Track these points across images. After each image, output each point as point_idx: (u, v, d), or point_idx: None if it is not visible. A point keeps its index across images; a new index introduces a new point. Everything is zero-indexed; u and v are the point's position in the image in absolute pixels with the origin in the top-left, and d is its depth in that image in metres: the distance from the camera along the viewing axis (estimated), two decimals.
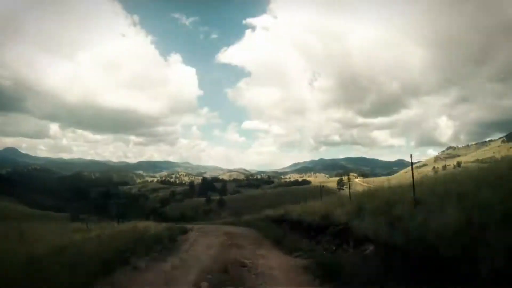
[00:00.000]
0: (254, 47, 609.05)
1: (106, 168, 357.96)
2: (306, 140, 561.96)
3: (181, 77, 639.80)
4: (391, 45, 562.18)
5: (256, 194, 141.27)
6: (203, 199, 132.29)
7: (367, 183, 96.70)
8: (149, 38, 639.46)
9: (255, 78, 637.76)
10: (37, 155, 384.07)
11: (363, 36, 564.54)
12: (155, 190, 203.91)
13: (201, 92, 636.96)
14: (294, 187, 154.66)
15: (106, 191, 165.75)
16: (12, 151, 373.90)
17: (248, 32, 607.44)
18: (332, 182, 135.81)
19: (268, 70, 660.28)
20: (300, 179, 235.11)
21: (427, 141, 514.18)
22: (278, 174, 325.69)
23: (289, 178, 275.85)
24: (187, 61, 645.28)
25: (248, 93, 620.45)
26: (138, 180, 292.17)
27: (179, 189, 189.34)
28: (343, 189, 79.83)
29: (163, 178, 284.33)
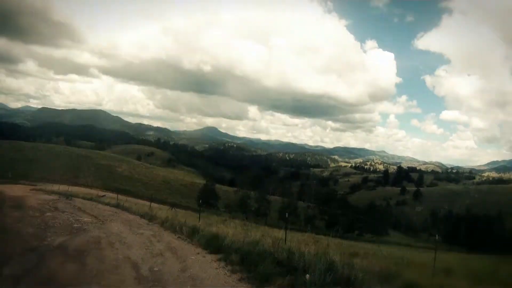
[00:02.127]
0: (452, 32, 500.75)
1: (302, 151, 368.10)
2: (507, 136, 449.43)
3: (378, 63, 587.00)
4: None
5: (457, 189, 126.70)
6: (397, 189, 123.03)
7: None
8: (343, 22, 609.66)
9: (454, 66, 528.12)
10: (235, 135, 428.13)
11: None
12: (347, 174, 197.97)
13: (399, 79, 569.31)
14: (500, 185, 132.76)
15: (295, 171, 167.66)
16: (212, 130, 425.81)
17: (445, 16, 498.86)
18: None
19: (467, 58, 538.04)
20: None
21: None
22: (475, 171, 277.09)
23: (487, 176, 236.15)
24: (383, 46, 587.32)
25: (447, 82, 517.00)
26: (332, 164, 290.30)
27: (372, 176, 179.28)
28: None
29: (357, 165, 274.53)
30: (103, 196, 27.64)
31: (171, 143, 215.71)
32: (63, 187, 36.77)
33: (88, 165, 72.27)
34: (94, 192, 35.36)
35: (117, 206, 19.38)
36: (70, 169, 66.54)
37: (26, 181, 54.26)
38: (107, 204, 20.62)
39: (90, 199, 22.88)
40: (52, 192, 27.24)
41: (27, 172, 60.09)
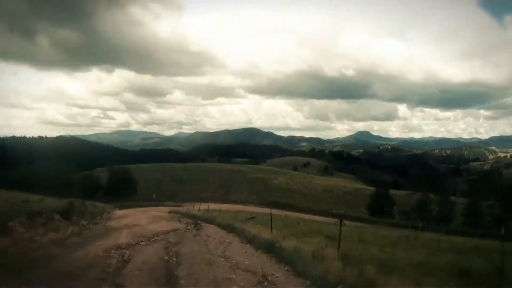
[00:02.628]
0: None
1: (457, 145, 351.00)
2: None
3: None
4: None
5: None
6: None
7: None
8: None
9: None
10: (388, 136, 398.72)
11: None
12: (509, 165, 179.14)
13: None
14: None
15: (454, 167, 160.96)
16: (364, 134, 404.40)
17: None
18: None
19: None
20: None
21: None
22: None
23: None
24: None
25: None
26: (490, 156, 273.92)
27: None
28: None
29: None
30: (251, 218, 20.45)
31: (326, 151, 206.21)
32: (212, 206, 33.98)
33: (240, 180, 61.94)
34: (246, 209, 31.45)
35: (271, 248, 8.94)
36: (222, 186, 56.77)
37: (174, 201, 45.96)
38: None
39: (231, 226, 14.28)
40: (188, 216, 22.85)
41: (176, 192, 52.27)
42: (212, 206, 34.13)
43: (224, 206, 38.38)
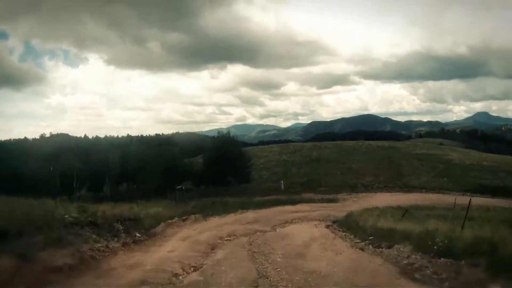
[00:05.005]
0: None
1: None
2: None
3: None
4: None
5: None
6: None
7: None
8: None
9: None
10: (507, 116, 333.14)
11: None
12: None
13: None
14: None
15: None
16: (483, 115, 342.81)
17: None
18: None
19: None
20: None
21: None
22: None
23: None
24: None
25: None
26: None
27: None
28: None
29: None
30: None
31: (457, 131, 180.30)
32: (383, 198, 24.18)
33: (405, 158, 39.51)
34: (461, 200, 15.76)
35: None
36: (378, 167, 35.70)
37: (314, 193, 28.75)
38: None
39: None
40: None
41: (313, 179, 33.41)
42: (384, 198, 24.26)
43: (412, 198, 24.67)
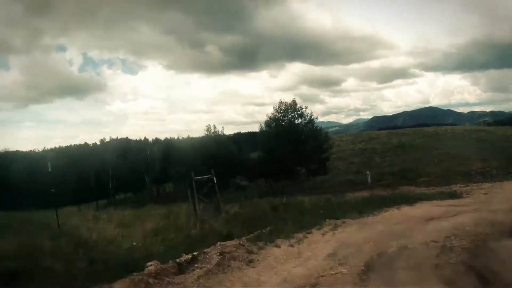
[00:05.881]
0: None
1: None
2: None
3: None
4: None
5: None
6: None
7: None
8: None
9: None
10: None
11: None
12: None
13: None
14: None
15: None
16: None
17: None
18: None
19: None
20: None
21: None
22: None
23: None
24: None
25: None
26: None
27: None
28: None
29: None
30: None
31: None
32: None
33: (506, 141, 32.00)
34: None
35: None
36: (485, 153, 28.63)
37: (416, 185, 22.02)
38: None
39: None
40: None
41: (410, 167, 27.36)
42: None
43: None
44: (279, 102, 27.40)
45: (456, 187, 20.91)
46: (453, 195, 18.02)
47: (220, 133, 31.72)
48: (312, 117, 26.85)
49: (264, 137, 27.91)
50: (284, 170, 26.09)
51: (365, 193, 20.92)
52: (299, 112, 26.84)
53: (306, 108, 27.57)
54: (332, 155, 33.55)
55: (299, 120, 26.97)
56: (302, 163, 26.13)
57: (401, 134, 40.95)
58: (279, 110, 27.24)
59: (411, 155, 30.92)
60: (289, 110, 26.94)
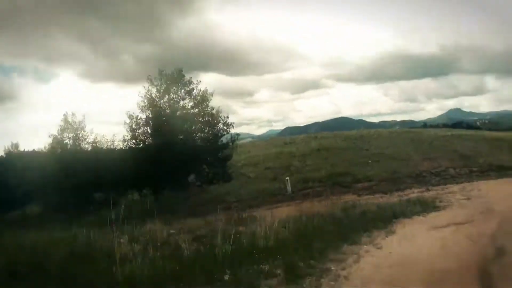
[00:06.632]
0: None
1: None
2: None
3: None
4: None
5: None
6: None
7: None
8: None
9: None
10: (480, 111, 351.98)
11: None
12: None
13: None
14: None
15: None
16: (455, 112, 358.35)
17: None
18: None
19: None
20: None
21: None
22: None
23: None
24: None
25: None
26: None
27: None
28: None
29: None
30: None
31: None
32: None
33: (433, 140, 27.29)
34: None
35: None
36: (429, 153, 22.84)
37: (355, 192, 15.87)
38: None
39: None
40: None
41: (338, 172, 19.94)
42: None
43: None
44: (158, 69, 17.78)
45: (414, 192, 14.26)
46: (429, 206, 11.06)
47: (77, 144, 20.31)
48: (207, 94, 17.61)
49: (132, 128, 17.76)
50: (162, 175, 16.57)
51: (287, 208, 13.65)
52: (187, 88, 17.56)
53: (199, 82, 18.29)
54: (240, 162, 25.42)
55: (186, 100, 17.58)
56: (189, 163, 16.81)
57: (320, 138, 34.53)
58: (156, 84, 17.63)
59: (339, 157, 23.97)
60: (171, 85, 17.43)
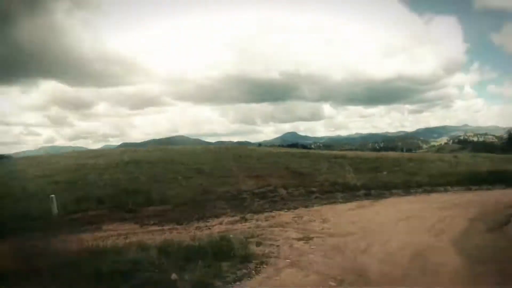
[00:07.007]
0: None
1: (384, 139, 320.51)
2: None
3: (441, 31, 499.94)
4: None
5: None
6: None
7: None
8: None
9: None
10: (315, 135, 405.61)
11: None
12: (453, 150, 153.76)
13: (466, 45, 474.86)
14: None
15: None
16: (291, 135, 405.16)
17: None
18: None
19: None
20: None
21: None
22: None
23: None
24: (442, 11, 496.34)
25: None
26: (424, 146, 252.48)
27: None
28: None
29: (457, 139, 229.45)
30: None
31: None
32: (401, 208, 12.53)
33: (260, 157, 25.97)
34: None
35: None
36: (259, 169, 20.38)
37: (137, 221, 11.51)
38: None
39: None
40: None
41: (134, 190, 15.24)
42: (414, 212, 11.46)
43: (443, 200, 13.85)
44: None
45: (223, 223, 10.58)
46: (236, 257, 6.80)
47: None
48: None
49: None
50: None
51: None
52: None
53: None
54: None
55: None
56: None
57: (135, 151, 29.54)
58: None
59: (146, 171, 19.43)
60: None
